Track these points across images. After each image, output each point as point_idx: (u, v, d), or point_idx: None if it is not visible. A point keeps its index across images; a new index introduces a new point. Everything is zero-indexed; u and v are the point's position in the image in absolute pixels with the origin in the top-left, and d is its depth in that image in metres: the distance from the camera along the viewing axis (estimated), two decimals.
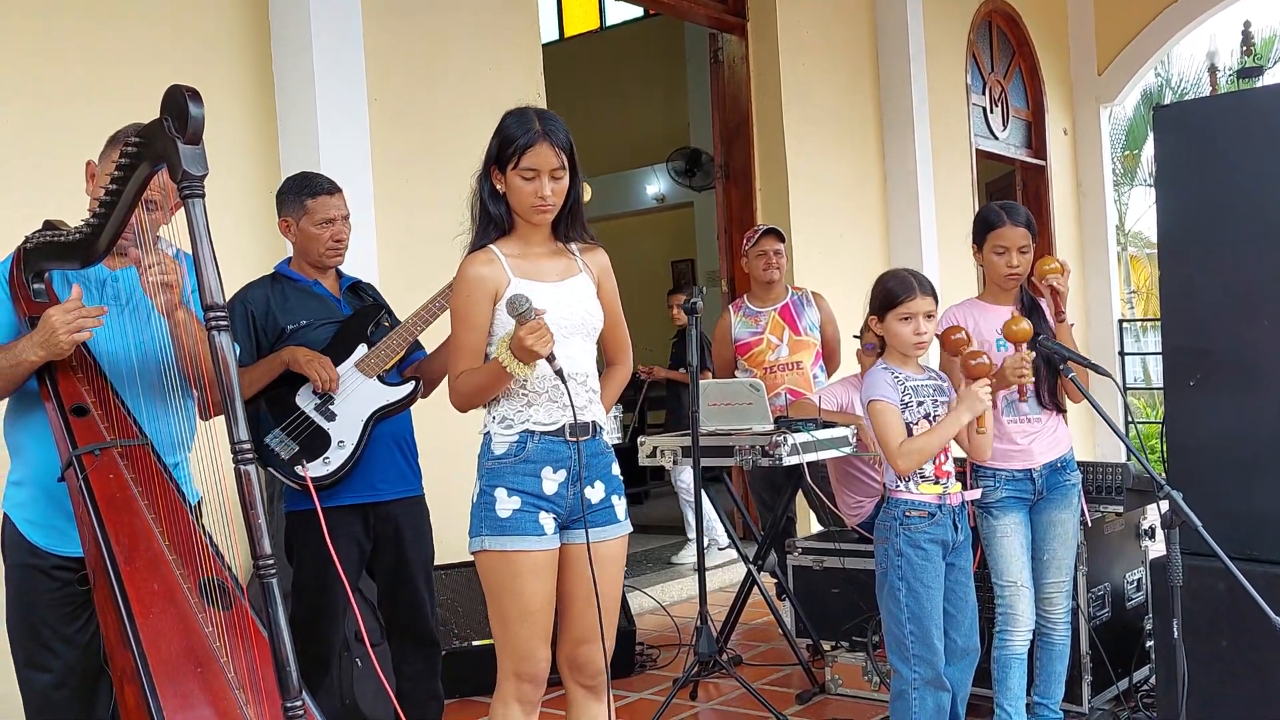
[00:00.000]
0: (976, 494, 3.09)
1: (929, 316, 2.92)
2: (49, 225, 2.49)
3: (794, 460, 3.96)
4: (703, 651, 3.91)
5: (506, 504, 2.48)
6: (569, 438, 2.51)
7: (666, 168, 11.66)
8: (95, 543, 2.22)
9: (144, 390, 2.50)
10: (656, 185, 12.06)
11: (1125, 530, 3.77)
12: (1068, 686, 3.43)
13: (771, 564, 4.38)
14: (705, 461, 4.08)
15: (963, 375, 2.87)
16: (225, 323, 2.05)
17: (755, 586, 4.33)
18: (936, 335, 3.02)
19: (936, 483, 2.91)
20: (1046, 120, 9.38)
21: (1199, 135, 3.16)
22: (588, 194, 2.66)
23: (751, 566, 4.31)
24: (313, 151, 4.18)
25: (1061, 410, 3.27)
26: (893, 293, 2.94)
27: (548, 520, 2.49)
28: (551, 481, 2.49)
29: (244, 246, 4.16)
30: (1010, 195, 9.44)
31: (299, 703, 1.99)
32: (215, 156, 4.14)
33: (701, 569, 4.03)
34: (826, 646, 4.18)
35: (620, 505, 2.62)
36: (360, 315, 3.24)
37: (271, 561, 2.05)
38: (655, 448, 4.30)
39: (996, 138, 8.90)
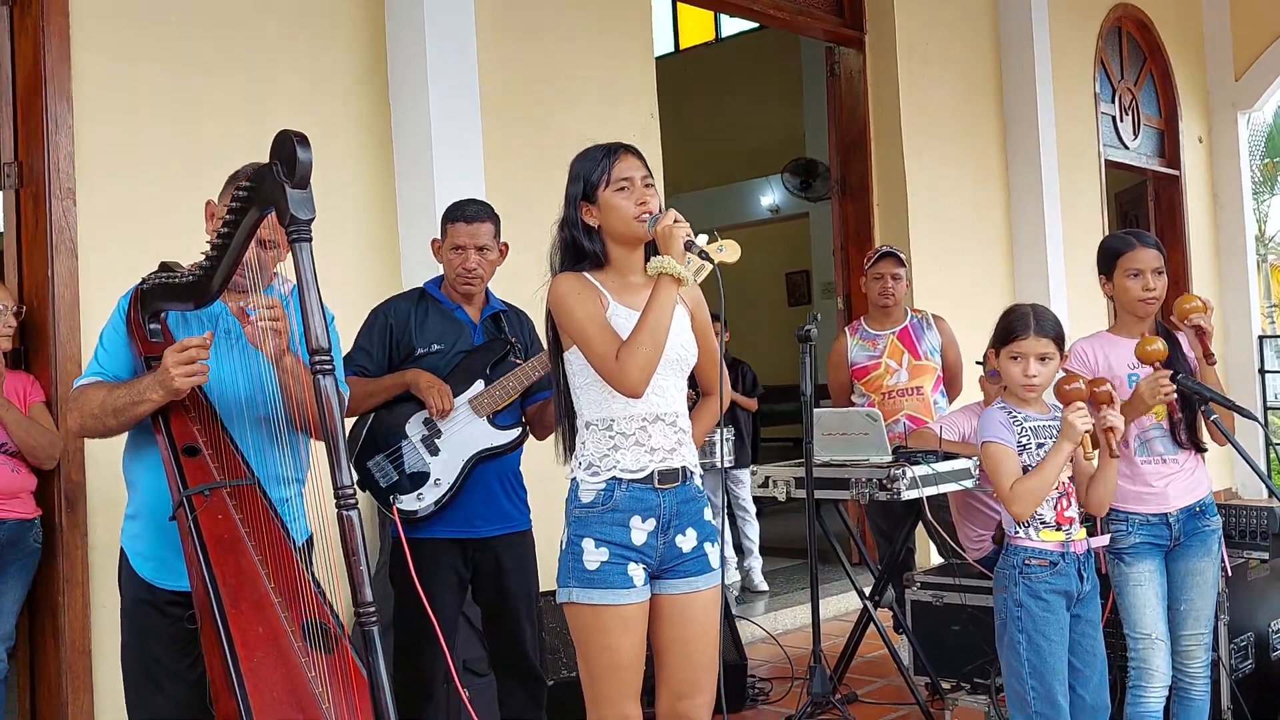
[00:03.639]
0: (1104, 540, 2.92)
1: (1042, 359, 2.77)
2: (164, 267, 2.52)
3: (913, 494, 3.81)
4: (816, 691, 3.79)
5: (594, 555, 2.38)
6: (657, 485, 2.41)
7: (781, 179, 11.52)
8: (203, 583, 2.23)
9: (253, 425, 2.51)
10: (771, 196, 11.93)
11: (1272, 576, 3.53)
12: None
13: (889, 598, 4.23)
14: (820, 494, 3.96)
15: (1059, 402, 2.71)
16: (329, 367, 2.05)
17: (871, 621, 4.18)
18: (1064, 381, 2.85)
19: (1059, 529, 2.75)
20: (1180, 128, 8.98)
21: None
22: (734, 254, 2.55)
23: (868, 602, 4.17)
24: (427, 177, 4.21)
25: (1200, 450, 3.07)
26: (1007, 328, 2.81)
27: (637, 572, 2.40)
28: (640, 531, 2.40)
29: (359, 266, 4.21)
30: (1142, 206, 9.08)
31: None
32: (333, 189, 4.25)
33: (815, 603, 3.91)
34: (946, 687, 4.02)
35: (714, 553, 2.51)
36: (485, 349, 3.22)
37: (373, 610, 2.04)
38: (768, 478, 4.19)
39: (1127, 147, 8.56)
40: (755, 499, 6.21)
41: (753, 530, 6.37)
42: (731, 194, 12.10)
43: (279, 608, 2.26)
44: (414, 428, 3.12)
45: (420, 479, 3.08)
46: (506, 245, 3.30)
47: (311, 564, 2.55)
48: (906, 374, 4.70)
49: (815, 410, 3.97)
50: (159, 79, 3.74)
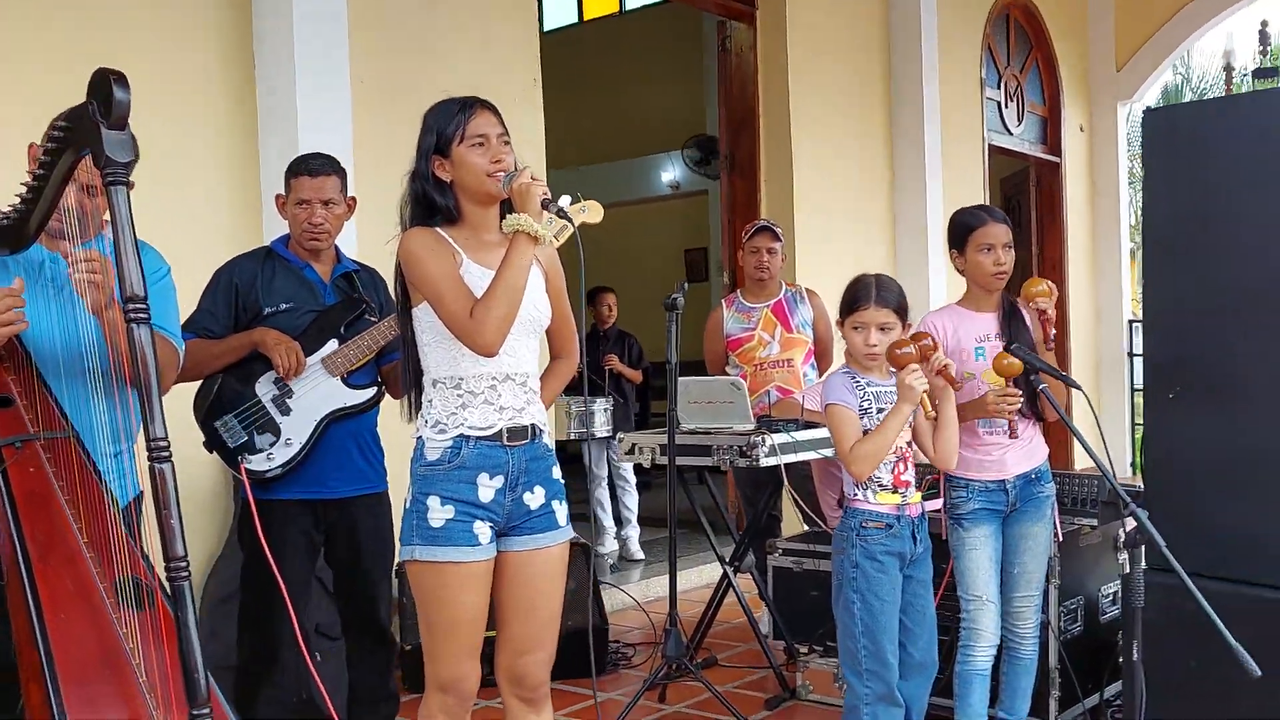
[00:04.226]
0: (938, 504, 3.00)
1: (883, 329, 2.83)
2: None
3: (772, 461, 3.87)
4: (671, 654, 3.84)
5: (440, 513, 2.37)
6: (505, 442, 2.41)
7: (682, 155, 11.56)
8: (10, 539, 2.17)
9: (77, 378, 2.44)
10: (672, 173, 11.96)
11: (1102, 543, 3.66)
12: (1035, 701, 3.34)
13: (750, 564, 4.30)
14: (683, 461, 4.00)
15: (892, 366, 2.77)
16: (144, 316, 2.00)
17: (731, 587, 4.24)
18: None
19: (895, 492, 2.82)
20: (1063, 116, 9.21)
21: (1187, 140, 3.05)
22: (597, 215, 2.53)
23: (727, 567, 4.22)
24: (291, 132, 4.11)
25: (1039, 420, 3.17)
26: (851, 298, 2.86)
27: (483, 529, 2.39)
28: (488, 488, 2.39)
29: (219, 226, 4.11)
30: (1024, 192, 9.29)
31: (205, 710, 1.94)
32: (191, 133, 4.12)
33: (673, 567, 3.95)
34: (802, 650, 4.10)
35: (562, 511, 2.52)
36: (339, 308, 3.16)
37: (184, 564, 1.99)
38: (634, 444, 4.22)
39: (1011, 133, 8.75)
40: (637, 470, 6.26)
41: (632, 500, 6.41)
42: (633, 169, 12.08)
43: (91, 564, 2.20)
44: (264, 387, 3.06)
45: (270, 439, 3.03)
46: (354, 199, 3.25)
47: (141, 520, 2.50)
48: (778, 346, 4.76)
49: (681, 379, 4.01)
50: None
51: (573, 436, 5.62)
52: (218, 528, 4.09)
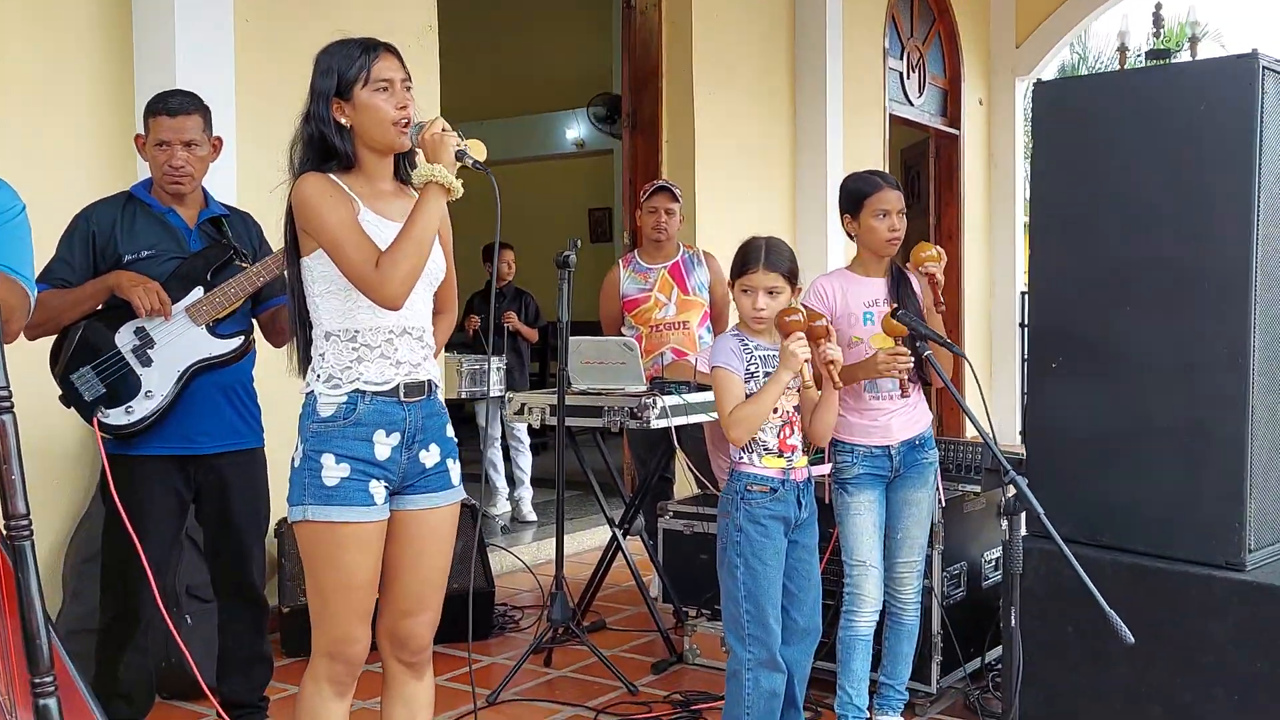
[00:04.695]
0: (825, 469, 3.00)
1: (771, 292, 2.80)
2: None
3: (663, 424, 3.85)
4: (556, 618, 3.80)
5: (334, 471, 2.28)
6: (402, 398, 2.34)
7: (587, 112, 11.42)
8: None
9: None
10: (576, 130, 11.82)
11: (986, 509, 3.72)
12: (918, 666, 3.39)
13: (639, 527, 4.27)
14: (573, 421, 3.95)
15: (779, 332, 2.75)
16: None
17: (619, 550, 4.22)
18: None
19: (780, 456, 2.80)
20: (963, 89, 9.32)
21: (1075, 114, 3.08)
22: (481, 153, 2.45)
23: (615, 529, 4.20)
24: (169, 71, 3.92)
25: (924, 384, 3.19)
26: (741, 261, 2.83)
27: (378, 489, 2.31)
28: (384, 446, 2.31)
29: (91, 168, 3.91)
30: (924, 162, 9.40)
31: (49, 679, 1.83)
32: (63, 70, 3.90)
33: (560, 529, 3.91)
34: (690, 613, 4.10)
35: (455, 469, 2.46)
36: (204, 255, 3.01)
37: (26, 522, 1.88)
38: (524, 405, 4.15)
39: (912, 104, 8.82)
40: (533, 431, 6.19)
41: (525, 461, 6.35)
42: (536, 125, 11.91)
43: None
44: (124, 337, 2.91)
45: (130, 391, 2.88)
46: (220, 140, 3.10)
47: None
48: (675, 308, 4.73)
49: (573, 338, 3.95)
50: None
51: (465, 395, 5.52)
52: (84, 484, 3.92)
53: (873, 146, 8.18)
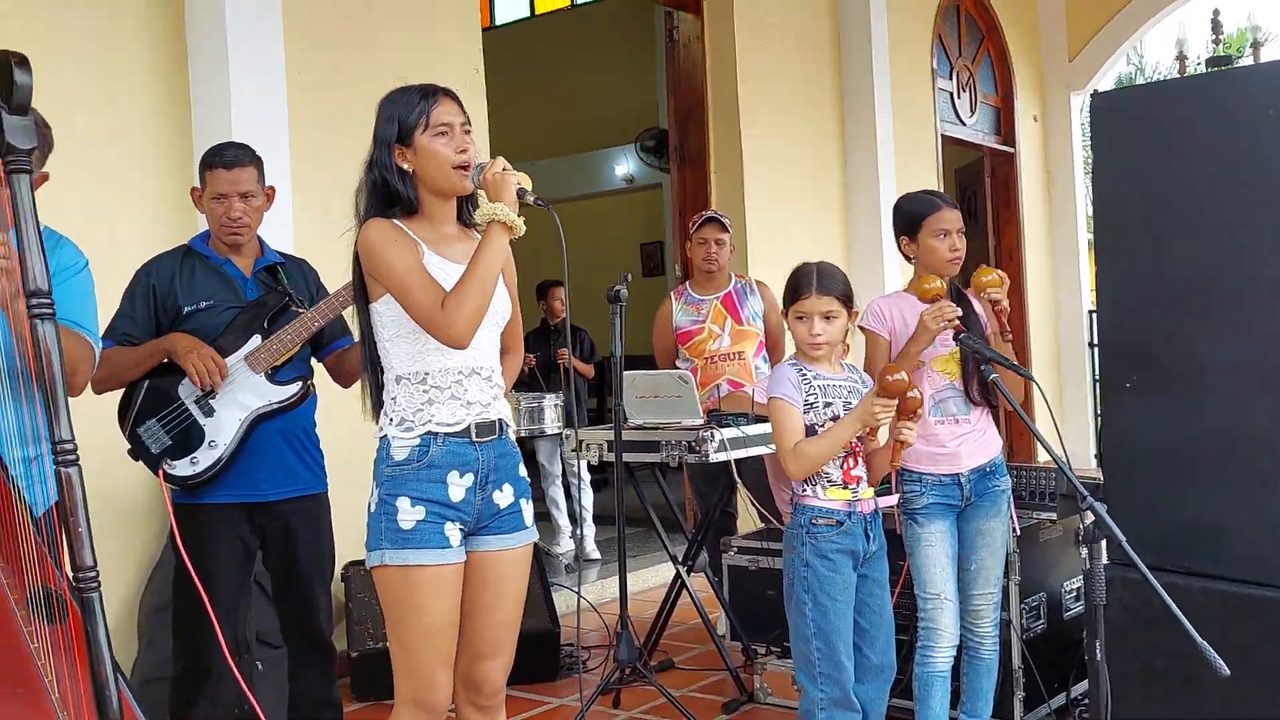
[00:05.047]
0: (892, 500, 2.92)
1: (827, 317, 2.74)
2: None
3: (722, 457, 3.79)
4: (623, 658, 3.74)
5: (410, 514, 2.28)
6: (474, 438, 2.32)
7: (636, 148, 11.47)
8: None
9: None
10: (625, 166, 11.86)
11: (1064, 536, 3.60)
12: (999, 703, 3.28)
13: (703, 563, 4.21)
14: (630, 457, 3.91)
15: (883, 394, 2.67)
16: (48, 311, 1.87)
17: (684, 587, 4.15)
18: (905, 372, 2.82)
19: (845, 488, 2.73)
20: (1016, 107, 9.21)
21: (1136, 123, 2.98)
22: (528, 182, 2.46)
23: (679, 566, 4.13)
24: (225, 125, 3.98)
25: (992, 407, 3.10)
26: (793, 288, 2.77)
27: (454, 531, 2.30)
28: (458, 487, 2.31)
29: (152, 223, 3.96)
30: (979, 182, 9.29)
31: None
32: (125, 129, 3.96)
33: (623, 568, 3.85)
34: (759, 651, 4.02)
35: (528, 510, 2.45)
36: (261, 303, 3.03)
37: (94, 574, 1.87)
38: (582, 441, 4.12)
39: (964, 124, 8.73)
40: (594, 467, 6.16)
41: (587, 499, 6.31)
42: (587, 163, 11.99)
43: (2, 574, 2.08)
44: (187, 389, 2.92)
45: (195, 442, 2.90)
46: (273, 189, 3.13)
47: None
48: (729, 339, 4.68)
49: (627, 373, 3.91)
50: None
51: (523, 433, 5.51)
52: (156, 534, 3.95)
53: (925, 168, 8.10)
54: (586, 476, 6.30)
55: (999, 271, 3.03)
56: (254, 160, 3.08)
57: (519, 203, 2.31)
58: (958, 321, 2.88)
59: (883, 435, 2.80)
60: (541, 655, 4.19)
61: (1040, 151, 9.61)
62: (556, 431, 5.59)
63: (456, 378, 2.33)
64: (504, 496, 2.38)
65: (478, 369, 2.35)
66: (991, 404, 3.08)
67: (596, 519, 6.39)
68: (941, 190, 8.20)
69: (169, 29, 4.07)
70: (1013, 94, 9.19)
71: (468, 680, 2.41)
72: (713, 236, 4.72)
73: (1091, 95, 3.19)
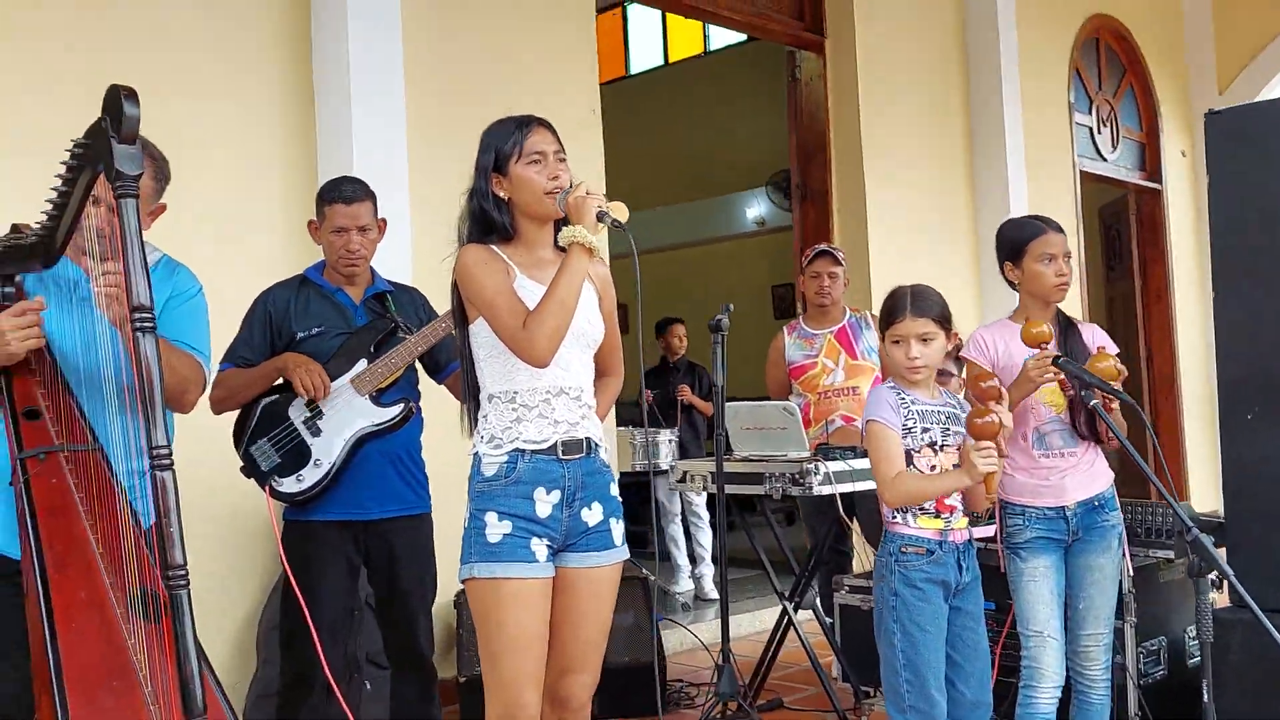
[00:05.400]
0: (988, 531, 2.84)
1: (924, 340, 2.69)
2: (15, 229, 2.47)
3: (827, 490, 3.74)
4: (724, 691, 3.70)
5: (497, 528, 2.34)
6: (561, 456, 2.37)
7: (766, 190, 11.49)
8: (29, 546, 2.17)
9: (105, 395, 2.45)
10: (757, 209, 11.88)
11: (1185, 578, 3.42)
12: None
13: (810, 600, 4.14)
14: (733, 489, 3.89)
15: (966, 429, 2.61)
16: (149, 325, 1.99)
17: (791, 625, 4.09)
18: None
19: (938, 517, 2.66)
20: (1162, 142, 8.89)
21: (1255, 144, 2.87)
22: (624, 214, 2.51)
23: (786, 603, 4.08)
24: (347, 163, 4.16)
25: (1099, 442, 2.98)
26: (888, 312, 2.73)
27: (540, 547, 2.35)
28: (544, 503, 2.36)
29: (277, 253, 4.16)
30: (1123, 220, 8.98)
31: None
32: (258, 168, 4.18)
33: (724, 600, 3.83)
34: (869, 694, 3.93)
35: (618, 529, 2.48)
36: (368, 329, 3.16)
37: (183, 573, 1.97)
38: (685, 472, 4.12)
39: (1105, 159, 8.47)
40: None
41: (705, 537, 6.29)
42: (719, 207, 12.05)
43: (106, 575, 2.20)
44: (297, 410, 3.06)
45: (301, 460, 3.02)
46: (385, 221, 3.26)
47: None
48: (843, 374, 4.62)
49: (731, 404, 3.91)
50: (61, 53, 3.70)
51: (638, 468, 5.54)
52: (275, 554, 4.10)
53: (1062, 205, 7.87)
54: (705, 515, 6.29)
55: (1116, 363, 2.81)
56: (370, 196, 3.21)
57: (601, 226, 2.35)
58: (1058, 352, 2.79)
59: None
60: (644, 688, 4.17)
61: (1191, 187, 9.23)
62: (669, 466, 5.60)
63: (544, 397, 2.38)
64: (592, 514, 2.41)
65: (566, 388, 2.40)
66: (1096, 438, 2.96)
67: (716, 560, 6.36)
68: (1081, 229, 7.99)
69: (298, 72, 4.30)
70: (1158, 129, 8.87)
71: (554, 695, 2.43)
72: (825, 270, 4.69)
73: (1205, 115, 3.07)
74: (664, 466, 5.63)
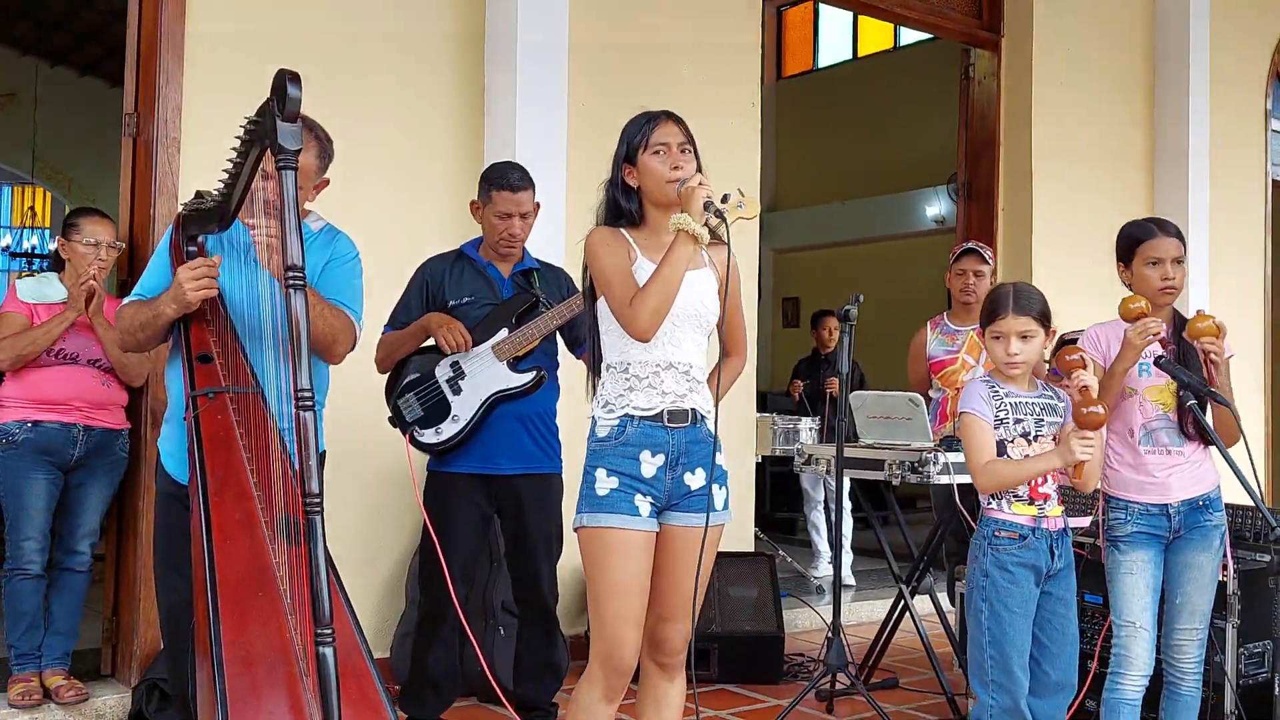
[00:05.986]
0: (1084, 522, 2.89)
1: (1024, 337, 2.77)
2: (198, 195, 2.84)
3: (945, 479, 3.83)
4: (832, 662, 3.84)
5: (605, 483, 2.55)
6: (666, 423, 2.57)
7: (946, 189, 11.36)
8: (195, 472, 2.52)
9: (271, 345, 2.80)
10: (937, 207, 11.76)
11: None
12: None
13: (928, 586, 4.23)
14: (854, 473, 4.01)
15: (1073, 419, 2.70)
16: (300, 283, 2.28)
17: (908, 609, 4.19)
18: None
19: (1031, 504, 2.75)
20: None
21: None
22: (753, 210, 2.69)
23: (902, 585, 4.18)
24: (509, 151, 4.46)
25: (1205, 443, 2.99)
26: (990, 308, 2.83)
27: (643, 503, 2.54)
28: (650, 465, 2.55)
29: (446, 234, 4.50)
30: None
31: (328, 631, 2.17)
32: (428, 150, 4.53)
33: (837, 579, 3.97)
34: None
35: (720, 494, 2.64)
36: (512, 302, 3.44)
37: (318, 500, 2.26)
38: (810, 456, 4.26)
39: None
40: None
41: (846, 526, 6.38)
42: (899, 204, 11.98)
43: (258, 501, 2.52)
44: (442, 370, 3.37)
45: (441, 415, 3.33)
46: (538, 205, 3.52)
47: (320, 478, 2.82)
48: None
49: (857, 393, 4.04)
50: (263, 46, 4.13)
51: (777, 453, 5.69)
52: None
53: (1249, 218, 7.58)
54: (847, 504, 6.37)
55: (1217, 320, 2.91)
56: (531, 184, 3.50)
57: (707, 215, 2.52)
58: (1165, 338, 2.83)
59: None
60: (765, 657, 4.35)
61: None
62: (796, 450, 5.73)
63: (654, 369, 2.58)
64: (695, 479, 2.59)
65: (675, 363, 2.59)
66: (1204, 439, 2.97)
67: (858, 550, 6.44)
68: (1269, 242, 7.65)
69: (469, 61, 4.64)
70: None
71: (652, 638, 2.64)
72: (971, 268, 4.73)
73: None
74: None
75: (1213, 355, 2.87)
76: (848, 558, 6.38)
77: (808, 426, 5.83)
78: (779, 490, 8.04)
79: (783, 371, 9.16)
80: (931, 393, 4.76)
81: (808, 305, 11.07)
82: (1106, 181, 6.89)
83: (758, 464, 5.63)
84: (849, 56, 12.77)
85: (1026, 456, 2.77)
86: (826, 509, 6.43)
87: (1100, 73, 6.88)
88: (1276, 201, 7.81)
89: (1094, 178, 6.81)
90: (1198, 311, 2.97)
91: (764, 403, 7.13)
